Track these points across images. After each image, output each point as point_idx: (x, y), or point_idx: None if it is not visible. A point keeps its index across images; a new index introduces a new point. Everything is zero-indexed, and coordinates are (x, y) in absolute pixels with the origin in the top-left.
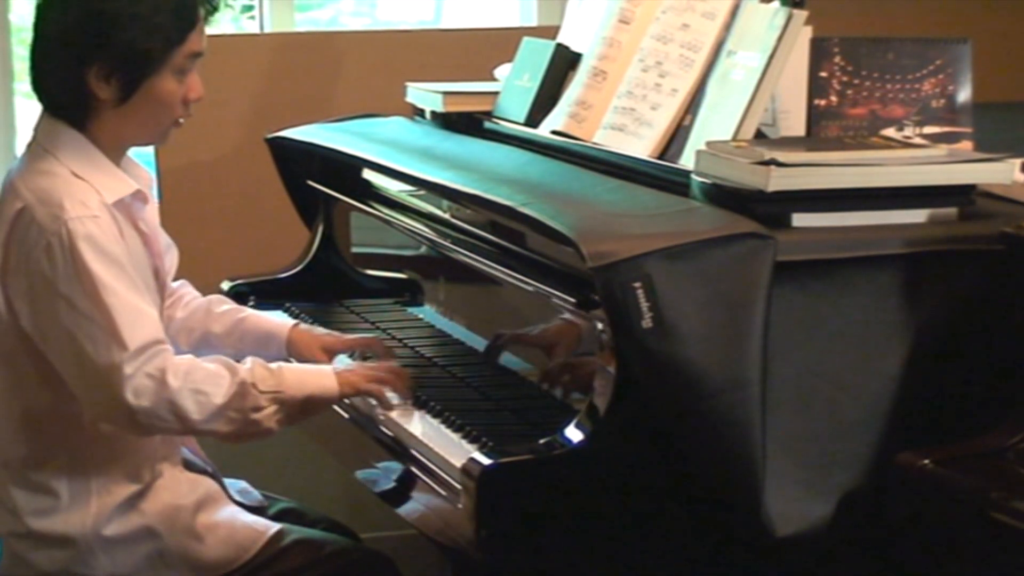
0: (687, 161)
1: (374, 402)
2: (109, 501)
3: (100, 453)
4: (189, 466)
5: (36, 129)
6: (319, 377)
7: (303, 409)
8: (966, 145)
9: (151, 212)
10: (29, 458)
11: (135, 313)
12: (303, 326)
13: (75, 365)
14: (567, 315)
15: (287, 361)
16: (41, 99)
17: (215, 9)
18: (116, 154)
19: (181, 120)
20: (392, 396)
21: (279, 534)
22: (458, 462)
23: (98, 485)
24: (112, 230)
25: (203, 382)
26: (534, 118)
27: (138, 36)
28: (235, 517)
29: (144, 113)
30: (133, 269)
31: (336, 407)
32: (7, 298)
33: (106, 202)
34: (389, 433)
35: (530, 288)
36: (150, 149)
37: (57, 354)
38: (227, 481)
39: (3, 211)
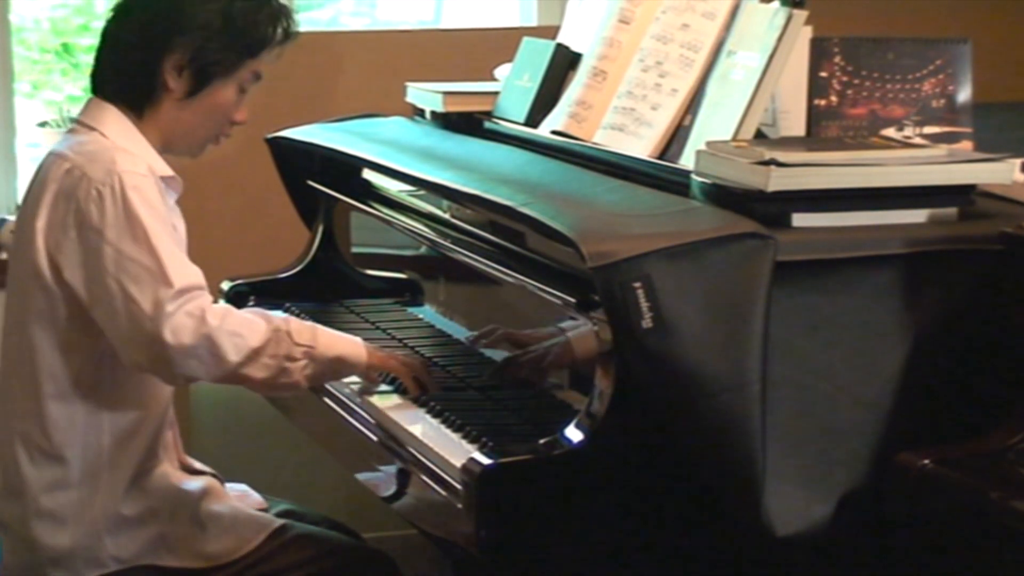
0: (687, 161)
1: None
2: (119, 476)
3: (116, 424)
4: (188, 471)
5: (81, 112)
6: (350, 344)
7: (331, 369)
8: (966, 145)
9: (179, 217)
10: (47, 426)
11: (180, 259)
12: None
13: (120, 311)
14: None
15: None
16: (101, 84)
17: (291, 37)
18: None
19: (223, 138)
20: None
21: (282, 528)
22: (458, 462)
23: (110, 458)
24: (157, 193)
25: (239, 325)
26: (534, 118)
27: (224, 35)
28: (239, 510)
29: (200, 116)
30: (173, 232)
31: (337, 407)
32: (50, 255)
33: (153, 170)
34: (389, 433)
35: (530, 288)
36: None
37: (102, 304)
38: (227, 485)
39: (49, 174)
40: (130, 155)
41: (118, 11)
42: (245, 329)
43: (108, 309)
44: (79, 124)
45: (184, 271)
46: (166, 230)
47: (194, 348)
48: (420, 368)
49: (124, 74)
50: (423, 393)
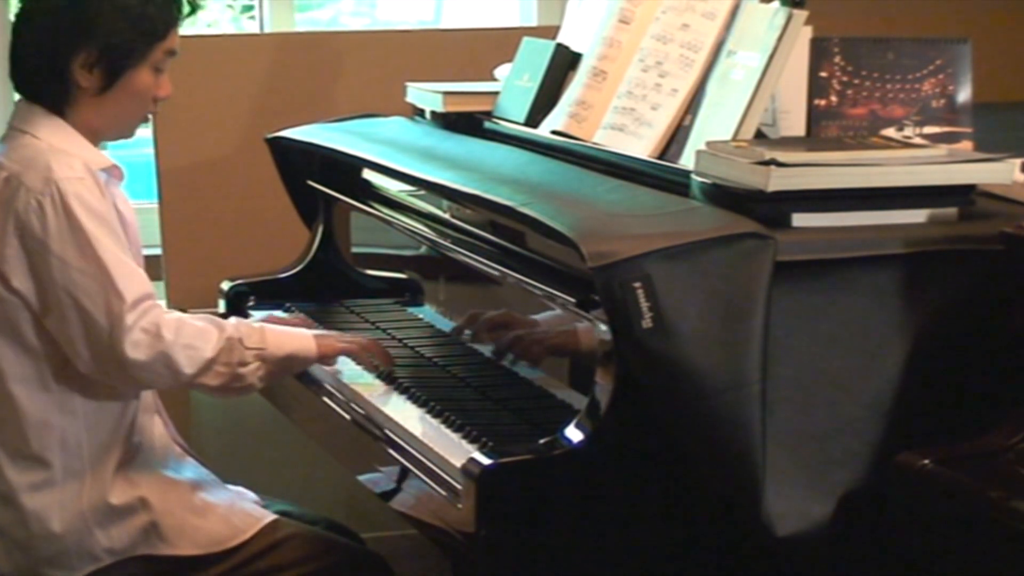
0: (687, 161)
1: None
2: (103, 469)
3: (92, 420)
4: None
5: (12, 116)
6: (299, 339)
7: (284, 367)
8: (966, 145)
9: (126, 202)
10: (24, 429)
11: (127, 267)
12: None
13: (74, 321)
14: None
15: None
16: (20, 86)
17: (197, 8)
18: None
19: (149, 116)
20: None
21: (276, 523)
22: (458, 462)
23: (91, 454)
24: (97, 193)
25: (193, 337)
26: (534, 118)
27: (125, 28)
28: (233, 501)
29: (120, 105)
30: (119, 231)
31: (337, 407)
32: None
33: (90, 168)
34: (389, 434)
35: (530, 288)
36: (150, 149)
37: (54, 313)
38: (221, 484)
39: None
40: (65, 156)
41: (22, 11)
42: (199, 340)
43: (60, 319)
44: (12, 128)
45: (133, 281)
46: (111, 236)
47: (150, 363)
48: (371, 346)
49: (35, 77)
50: (383, 368)
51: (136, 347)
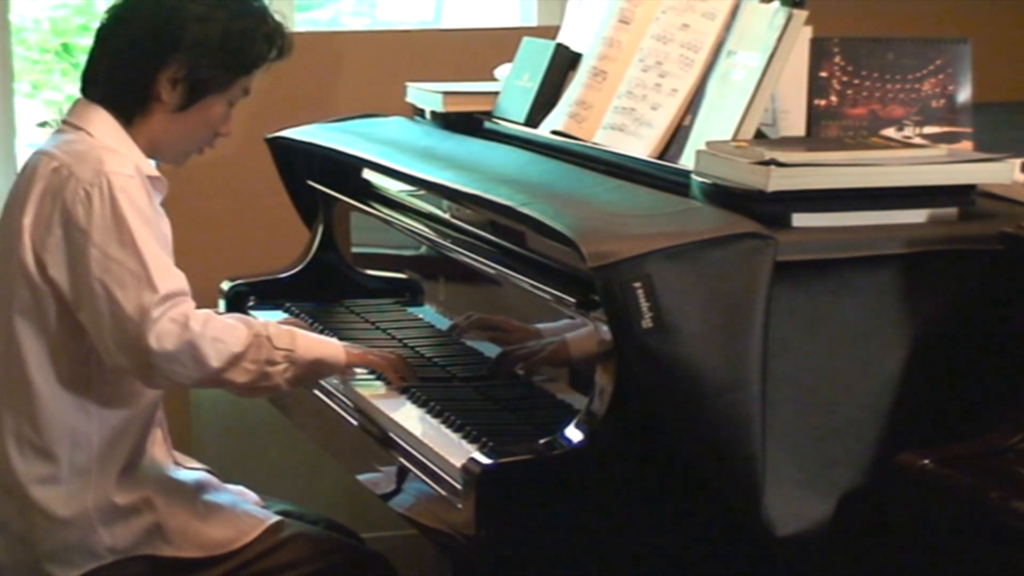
0: (687, 161)
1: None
2: (108, 470)
3: (105, 421)
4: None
5: (69, 113)
6: (328, 346)
7: (311, 372)
8: (966, 145)
9: (163, 215)
10: (37, 422)
11: (165, 263)
12: None
13: (104, 313)
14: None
15: None
16: (90, 87)
17: (284, 54)
18: None
19: (207, 148)
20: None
21: (279, 524)
22: (458, 462)
23: (99, 454)
24: (144, 194)
25: (221, 331)
26: (534, 118)
27: (222, 52)
28: (237, 503)
29: (189, 127)
30: (159, 234)
31: (337, 407)
32: (35, 253)
33: (140, 170)
34: (389, 433)
35: (530, 288)
36: None
37: (86, 304)
38: (225, 486)
39: (36, 172)
40: (117, 155)
41: (115, 15)
42: (227, 335)
43: (92, 310)
44: (66, 124)
45: (169, 276)
46: (152, 233)
47: (177, 354)
48: (399, 362)
49: (117, 81)
50: (405, 384)
51: (163, 338)
